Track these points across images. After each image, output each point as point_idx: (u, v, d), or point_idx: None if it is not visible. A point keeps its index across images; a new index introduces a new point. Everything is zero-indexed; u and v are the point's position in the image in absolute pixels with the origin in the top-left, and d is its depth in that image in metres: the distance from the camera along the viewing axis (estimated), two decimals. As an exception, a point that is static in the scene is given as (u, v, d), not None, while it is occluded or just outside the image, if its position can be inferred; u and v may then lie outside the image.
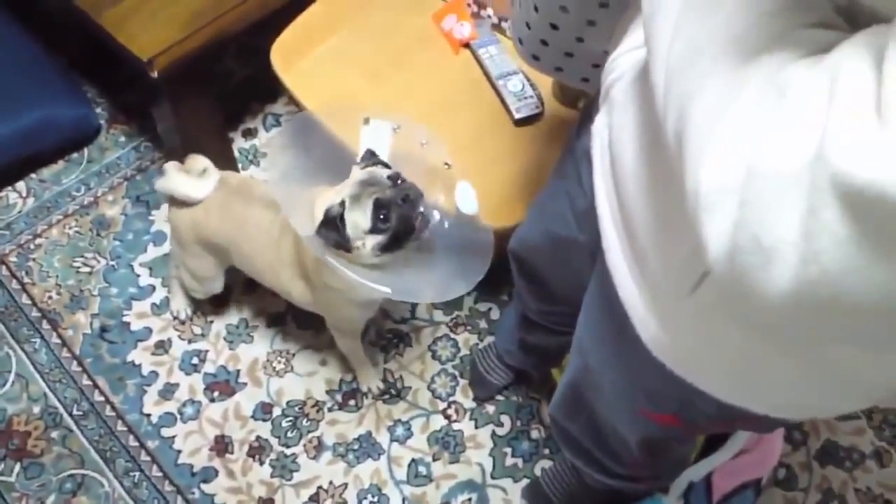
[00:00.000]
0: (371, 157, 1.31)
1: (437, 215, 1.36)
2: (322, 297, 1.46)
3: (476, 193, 1.38)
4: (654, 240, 0.71)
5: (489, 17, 1.73)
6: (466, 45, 1.71)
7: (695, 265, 0.66)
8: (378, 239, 1.23)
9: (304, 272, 1.44)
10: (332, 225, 1.22)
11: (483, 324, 1.81)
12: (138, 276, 1.83)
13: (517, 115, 1.62)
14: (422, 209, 1.25)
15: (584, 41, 0.98)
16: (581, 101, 1.65)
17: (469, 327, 1.80)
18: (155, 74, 1.58)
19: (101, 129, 2.03)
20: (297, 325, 1.77)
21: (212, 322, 1.78)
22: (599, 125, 0.82)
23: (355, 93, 1.67)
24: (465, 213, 1.36)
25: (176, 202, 1.53)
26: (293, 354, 1.75)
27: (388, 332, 1.78)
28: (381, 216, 1.21)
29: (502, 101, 1.65)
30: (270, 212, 1.44)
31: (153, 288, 1.81)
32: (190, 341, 1.75)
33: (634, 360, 0.79)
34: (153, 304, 1.79)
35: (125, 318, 1.77)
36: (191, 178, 1.51)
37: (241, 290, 1.81)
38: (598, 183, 0.79)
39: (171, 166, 1.51)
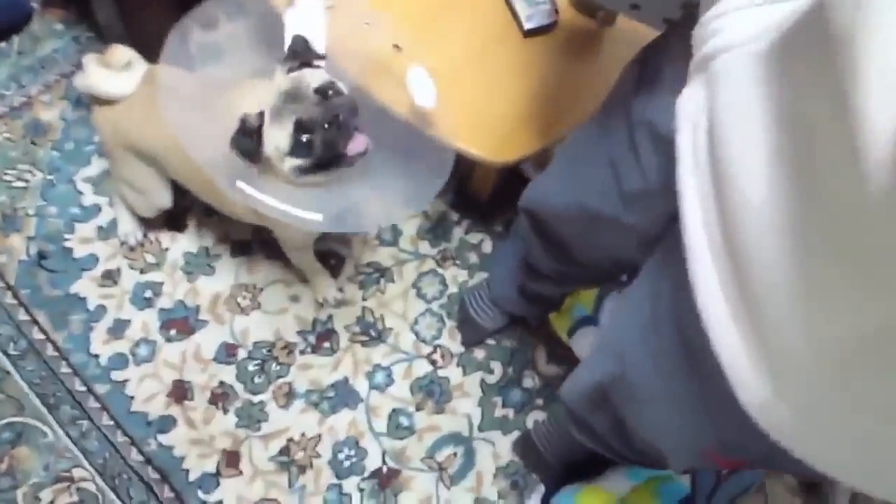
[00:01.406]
0: (296, 56, 1.11)
1: (371, 141, 1.12)
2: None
3: (433, 81, 1.15)
4: (789, 297, 0.51)
5: None
6: (468, -66, 1.43)
7: (861, 350, 0.48)
8: (297, 163, 1.06)
9: None
10: (247, 137, 1.05)
11: (474, 258, 1.63)
12: (81, 193, 1.59)
13: (527, 25, 1.38)
14: (356, 127, 1.06)
15: None
16: (601, 10, 1.40)
17: (458, 262, 1.62)
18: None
19: (32, 13, 1.73)
20: (266, 255, 1.57)
21: (167, 250, 1.57)
22: (692, 106, 0.60)
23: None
24: (421, 106, 1.15)
25: (99, 101, 1.33)
26: (260, 289, 1.55)
27: (368, 265, 1.59)
28: (304, 139, 1.04)
29: (510, 6, 1.40)
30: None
31: (98, 208, 1.58)
32: (142, 271, 1.54)
33: (711, 404, 0.62)
34: (99, 228, 1.56)
35: (67, 244, 1.55)
36: (112, 72, 1.31)
37: (201, 213, 1.59)
38: (685, 181, 0.58)
39: (89, 59, 1.32)
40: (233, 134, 1.05)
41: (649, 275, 0.77)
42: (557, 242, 1.09)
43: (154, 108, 1.26)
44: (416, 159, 1.16)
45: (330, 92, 1.06)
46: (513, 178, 1.58)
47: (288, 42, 1.11)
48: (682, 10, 0.81)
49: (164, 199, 1.44)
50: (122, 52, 1.32)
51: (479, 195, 1.67)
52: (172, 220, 1.57)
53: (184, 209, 1.58)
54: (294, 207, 1.07)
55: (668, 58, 0.71)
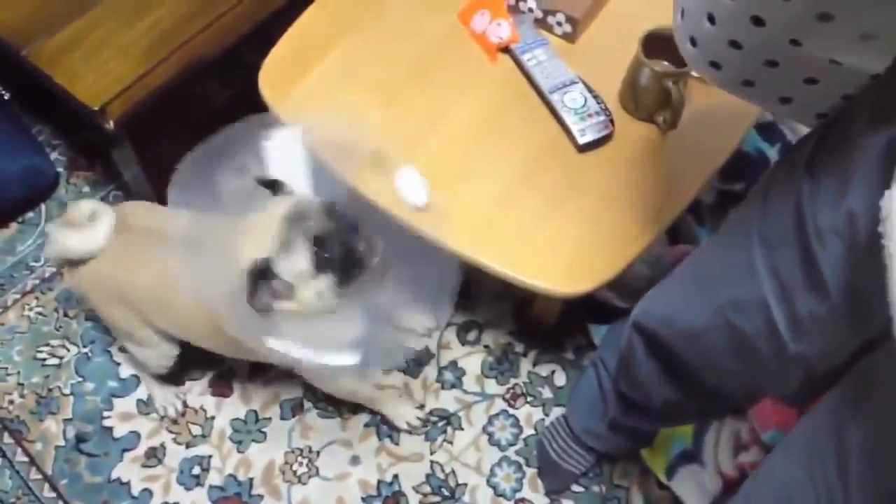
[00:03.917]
0: (277, 186, 1.04)
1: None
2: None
3: (424, 180, 1.13)
4: None
5: (530, 10, 1.36)
6: (505, 50, 1.34)
7: None
8: (327, 280, 0.98)
9: None
10: (260, 285, 0.96)
11: (547, 392, 1.47)
12: (118, 364, 1.48)
13: (581, 140, 1.25)
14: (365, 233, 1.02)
15: (801, 45, 0.63)
16: (664, 112, 1.28)
17: (530, 398, 1.46)
18: (110, 125, 1.23)
19: (59, 179, 1.67)
20: (320, 413, 1.43)
21: (213, 418, 1.44)
22: None
23: (368, 122, 1.31)
24: (414, 205, 1.12)
25: (71, 265, 1.24)
26: (317, 453, 1.41)
27: (431, 413, 1.44)
28: (325, 254, 0.98)
29: (559, 120, 1.28)
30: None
31: (137, 380, 1.46)
32: (188, 445, 1.41)
33: None
34: (139, 401, 1.45)
35: (106, 422, 1.43)
36: (79, 230, 1.22)
37: (244, 374, 1.47)
38: None
39: (51, 228, 1.25)
40: (246, 292, 0.95)
41: (823, 425, 0.64)
42: (682, 368, 0.95)
43: (138, 252, 1.19)
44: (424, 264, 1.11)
45: (333, 209, 1.01)
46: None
47: (270, 169, 1.04)
48: (806, 84, 0.67)
49: (170, 347, 1.31)
50: (83, 207, 1.24)
51: (543, 320, 1.52)
52: (218, 384, 1.45)
53: (229, 370, 1.46)
54: (327, 351, 1.01)
55: (854, 148, 0.59)
